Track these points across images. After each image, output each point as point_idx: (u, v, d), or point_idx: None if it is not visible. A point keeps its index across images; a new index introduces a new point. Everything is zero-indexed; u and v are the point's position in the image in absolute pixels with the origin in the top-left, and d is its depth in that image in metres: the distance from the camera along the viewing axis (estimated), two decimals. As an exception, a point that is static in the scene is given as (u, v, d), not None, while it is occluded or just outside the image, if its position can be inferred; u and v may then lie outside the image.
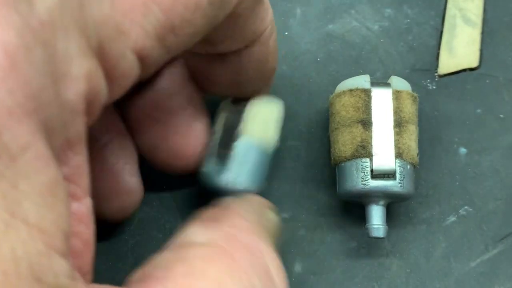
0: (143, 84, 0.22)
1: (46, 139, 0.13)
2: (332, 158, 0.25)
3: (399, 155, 0.23)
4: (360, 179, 0.23)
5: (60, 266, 0.13)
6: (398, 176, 0.23)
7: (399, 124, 0.24)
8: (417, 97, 0.25)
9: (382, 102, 0.24)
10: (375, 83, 0.24)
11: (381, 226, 0.24)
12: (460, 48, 0.29)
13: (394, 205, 0.26)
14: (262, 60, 0.23)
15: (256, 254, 0.18)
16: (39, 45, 0.13)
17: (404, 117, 0.24)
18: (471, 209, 0.26)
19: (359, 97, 0.24)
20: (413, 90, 0.25)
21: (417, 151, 0.24)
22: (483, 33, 0.29)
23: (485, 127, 0.27)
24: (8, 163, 0.12)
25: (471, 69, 0.28)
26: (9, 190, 0.12)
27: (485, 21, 0.29)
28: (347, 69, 0.28)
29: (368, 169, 0.23)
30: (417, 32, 0.29)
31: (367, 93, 0.24)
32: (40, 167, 0.13)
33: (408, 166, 0.24)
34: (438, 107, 0.28)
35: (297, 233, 0.26)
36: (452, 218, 0.26)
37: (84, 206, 0.15)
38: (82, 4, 0.14)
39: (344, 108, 0.24)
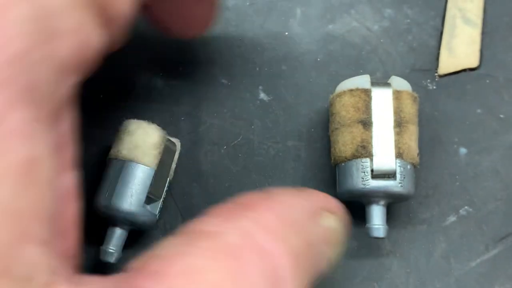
0: None
1: (30, 106, 0.12)
2: (332, 158, 0.25)
3: (399, 155, 0.23)
4: (360, 179, 0.23)
5: (35, 257, 0.12)
6: (398, 176, 0.23)
7: (399, 124, 0.24)
8: (418, 97, 0.25)
9: (382, 102, 0.24)
10: (375, 83, 0.24)
11: (381, 226, 0.24)
12: (460, 48, 0.29)
13: (394, 205, 0.26)
14: None
15: (269, 262, 0.16)
16: (23, 1, 0.12)
17: (404, 117, 0.24)
18: (471, 209, 0.26)
19: (359, 97, 0.24)
20: (413, 90, 0.25)
21: (418, 151, 0.24)
22: (483, 33, 0.29)
23: (485, 127, 0.27)
24: None
25: (471, 69, 0.28)
26: None
27: (485, 21, 0.29)
28: (347, 69, 0.28)
29: (369, 169, 0.23)
30: (417, 32, 0.29)
31: (367, 93, 0.24)
32: (15, 143, 0.11)
33: (409, 166, 0.24)
34: (438, 107, 0.28)
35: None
36: (452, 218, 0.26)
37: (70, 182, 0.14)
38: None
39: (344, 108, 0.24)
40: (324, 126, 0.27)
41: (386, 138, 0.23)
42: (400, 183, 0.23)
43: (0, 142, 0.11)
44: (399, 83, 0.25)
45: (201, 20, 0.23)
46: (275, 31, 0.29)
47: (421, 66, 0.28)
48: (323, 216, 0.18)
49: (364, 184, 0.23)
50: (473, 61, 0.28)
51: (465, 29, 0.29)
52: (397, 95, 0.24)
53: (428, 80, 0.28)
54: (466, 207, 0.26)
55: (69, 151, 0.14)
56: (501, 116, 0.28)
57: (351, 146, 0.24)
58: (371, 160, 0.23)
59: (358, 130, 0.24)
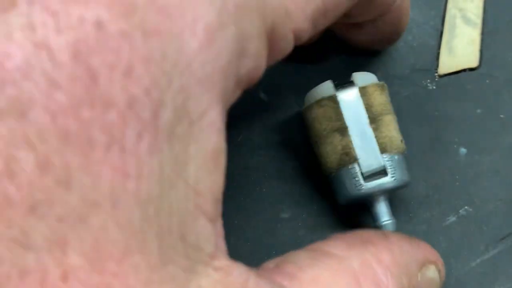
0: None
1: (220, 108, 0.15)
2: (322, 170, 0.25)
3: (383, 150, 0.23)
4: (353, 185, 0.23)
5: (204, 229, 0.14)
6: (389, 170, 0.23)
7: (374, 119, 0.23)
8: (384, 85, 0.25)
9: (351, 104, 0.24)
10: (339, 85, 0.24)
11: (389, 221, 0.24)
12: (460, 48, 0.29)
13: (394, 205, 0.26)
14: (396, 23, 0.24)
15: None
16: (231, 25, 0.14)
17: (376, 111, 0.24)
18: (471, 209, 0.26)
19: (327, 106, 0.24)
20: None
21: (401, 138, 0.24)
22: (483, 33, 0.29)
23: (485, 127, 0.27)
24: (186, 127, 0.13)
25: (471, 69, 0.28)
26: (181, 152, 0.13)
27: (485, 21, 0.29)
28: (347, 69, 0.28)
29: (359, 173, 0.23)
30: (417, 32, 0.29)
31: (333, 99, 0.24)
32: (210, 134, 0.14)
33: (396, 157, 0.24)
34: (438, 107, 0.28)
35: (297, 233, 0.26)
36: (452, 218, 0.26)
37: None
38: None
39: (316, 120, 0.24)
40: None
41: (366, 138, 0.23)
42: (392, 176, 0.23)
43: (203, 131, 0.14)
44: (363, 78, 0.24)
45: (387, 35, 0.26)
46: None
47: (421, 66, 0.28)
48: (427, 266, 0.20)
49: (359, 189, 0.23)
50: (473, 61, 0.28)
51: (465, 29, 0.29)
52: (363, 91, 0.24)
53: (428, 80, 0.28)
54: (466, 207, 0.26)
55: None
56: (502, 116, 0.28)
57: (334, 156, 0.24)
58: (358, 164, 0.23)
59: (336, 139, 0.24)
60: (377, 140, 0.23)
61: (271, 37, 0.17)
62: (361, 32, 0.25)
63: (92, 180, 0.12)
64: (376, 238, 0.20)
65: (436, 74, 0.28)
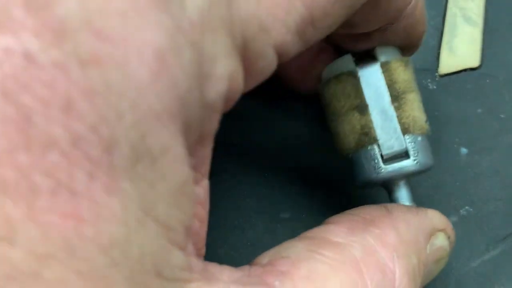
0: None
1: (184, 139, 0.13)
2: (339, 151, 0.23)
3: (406, 130, 0.21)
4: (372, 168, 0.21)
5: (178, 259, 0.13)
6: (411, 153, 0.21)
7: (396, 97, 0.21)
8: (409, 60, 0.22)
9: (372, 80, 0.22)
10: (360, 60, 0.22)
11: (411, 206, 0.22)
12: (461, 47, 0.29)
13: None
14: (409, 32, 0.21)
15: (390, 280, 0.17)
16: (188, 47, 0.13)
17: (400, 88, 0.22)
18: (471, 209, 0.26)
19: (346, 82, 0.22)
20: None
21: (425, 118, 0.22)
22: (484, 32, 0.29)
23: (486, 127, 0.27)
24: (149, 166, 0.12)
25: (472, 69, 0.28)
26: (147, 191, 0.12)
27: (486, 21, 0.29)
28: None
29: (378, 155, 0.21)
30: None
31: (353, 75, 0.22)
32: (175, 168, 0.13)
33: (419, 138, 0.22)
34: (438, 107, 0.28)
35: (297, 233, 0.26)
36: (453, 218, 0.26)
37: (202, 189, 0.15)
38: (230, 3, 0.14)
39: (334, 97, 0.22)
40: (325, 126, 0.27)
41: (387, 117, 0.21)
42: (415, 159, 0.21)
43: (168, 167, 0.13)
44: (386, 51, 0.22)
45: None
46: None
47: (422, 65, 0.28)
48: (435, 235, 0.19)
49: (378, 172, 0.21)
50: (474, 61, 0.28)
51: (466, 29, 0.29)
52: (386, 67, 0.22)
53: (429, 80, 0.28)
54: (466, 207, 0.26)
55: (205, 167, 0.15)
56: (502, 116, 0.28)
57: (353, 136, 0.22)
58: (378, 145, 0.21)
59: (355, 117, 0.22)
60: (399, 120, 0.21)
61: (246, 55, 0.15)
62: (368, 42, 0.22)
63: (41, 231, 0.11)
64: (379, 217, 0.18)
65: (436, 74, 0.28)
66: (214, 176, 0.26)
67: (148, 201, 0.12)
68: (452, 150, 0.27)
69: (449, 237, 0.20)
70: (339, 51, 0.24)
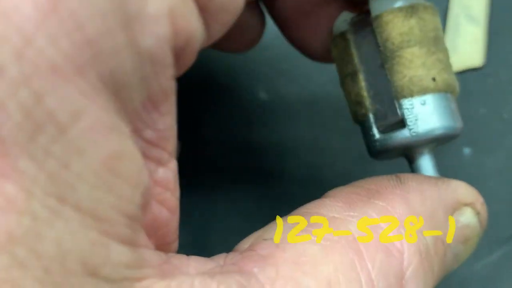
0: None
1: (111, 99, 0.11)
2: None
3: (400, 95, 0.18)
4: (370, 139, 0.19)
5: (120, 255, 0.11)
6: (408, 121, 0.18)
7: (389, 57, 0.18)
8: (415, 6, 0.19)
9: (363, 41, 0.19)
10: (356, 18, 0.19)
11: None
12: (464, 47, 0.28)
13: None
14: None
15: (396, 262, 0.14)
16: None
17: (393, 45, 0.18)
18: (474, 211, 0.26)
19: (340, 46, 0.20)
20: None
21: (433, 75, 0.18)
22: (487, 32, 0.29)
23: (489, 127, 0.27)
24: (55, 136, 0.10)
25: (475, 69, 0.28)
26: (58, 170, 0.10)
27: (489, 20, 0.29)
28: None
29: (373, 126, 0.19)
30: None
31: (344, 37, 0.19)
32: (98, 138, 0.10)
33: (420, 101, 0.18)
34: (441, 107, 0.28)
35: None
36: (456, 220, 0.26)
37: (170, 171, 0.13)
38: None
39: (335, 61, 0.20)
40: (325, 126, 0.27)
41: (378, 82, 0.19)
42: (411, 129, 0.18)
43: (85, 136, 0.10)
44: (383, 3, 0.19)
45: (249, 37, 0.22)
46: (276, 30, 0.29)
47: (424, 65, 0.28)
48: (461, 211, 0.16)
49: (374, 145, 0.19)
50: (477, 60, 0.28)
51: (469, 28, 0.29)
52: (378, 22, 0.18)
53: (431, 80, 0.28)
54: (469, 208, 0.26)
55: (170, 143, 0.13)
56: (505, 116, 0.27)
57: (351, 105, 0.20)
58: (371, 115, 0.19)
59: (349, 85, 0.19)
60: (393, 83, 0.18)
61: None
62: None
63: None
64: (387, 187, 0.15)
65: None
66: (214, 176, 0.26)
67: (62, 184, 0.10)
68: (455, 150, 0.27)
69: (478, 214, 0.17)
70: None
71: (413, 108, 0.18)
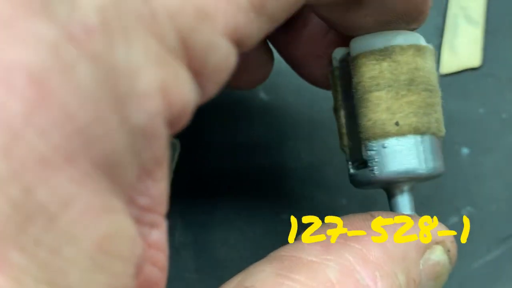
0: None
1: (104, 179, 0.11)
2: None
3: (366, 137, 0.18)
4: (349, 172, 0.20)
5: None
6: (370, 162, 0.18)
7: (358, 99, 0.19)
8: (389, 48, 0.18)
9: (347, 79, 0.19)
10: (344, 55, 0.20)
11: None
12: (462, 47, 0.28)
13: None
14: None
15: None
16: (84, 61, 0.10)
17: (364, 87, 0.18)
18: (473, 210, 0.26)
19: (332, 78, 0.20)
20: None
21: (396, 120, 0.18)
22: (485, 32, 0.29)
23: (488, 127, 0.27)
24: (46, 226, 0.10)
25: (473, 69, 0.28)
26: (50, 258, 0.10)
27: (487, 20, 0.29)
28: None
29: (349, 161, 0.20)
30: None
31: (332, 73, 0.20)
32: (89, 222, 0.10)
33: (382, 144, 0.18)
34: (440, 107, 0.28)
35: (297, 234, 0.26)
36: (454, 219, 0.26)
37: (161, 233, 0.13)
38: None
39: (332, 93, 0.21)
40: (325, 126, 0.27)
41: (352, 121, 0.19)
42: (371, 170, 0.18)
43: (76, 222, 0.10)
44: (360, 42, 0.19)
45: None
46: (276, 30, 0.29)
47: (423, 65, 0.28)
48: (432, 249, 0.17)
49: (349, 178, 0.20)
50: (475, 61, 0.28)
51: (467, 28, 0.29)
52: (354, 63, 0.19)
53: (430, 80, 0.28)
54: (468, 207, 0.26)
55: (164, 206, 0.13)
56: (504, 116, 0.27)
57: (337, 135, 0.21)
58: (347, 151, 0.20)
59: (336, 117, 0.20)
60: (360, 126, 0.19)
61: (188, 55, 0.12)
62: (363, 13, 0.17)
63: None
64: (362, 228, 0.16)
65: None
66: (214, 176, 0.26)
67: (53, 270, 0.10)
68: (453, 150, 0.27)
69: (448, 251, 0.17)
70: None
71: (375, 150, 0.18)
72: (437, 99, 0.19)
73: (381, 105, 0.18)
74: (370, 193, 0.26)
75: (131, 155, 0.11)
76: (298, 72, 0.22)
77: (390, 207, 0.19)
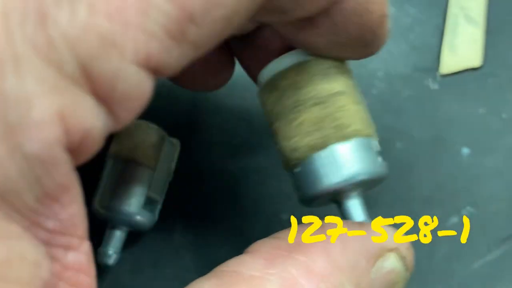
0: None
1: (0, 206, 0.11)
2: None
3: (284, 158, 0.19)
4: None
5: None
6: (295, 186, 0.19)
7: (271, 124, 0.19)
8: (278, 75, 0.18)
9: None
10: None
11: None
12: (463, 47, 0.28)
13: (395, 205, 0.26)
14: (361, 12, 0.16)
15: None
16: None
17: (269, 119, 0.19)
18: (473, 210, 0.26)
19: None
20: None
21: (297, 138, 0.18)
22: (485, 32, 0.29)
23: (488, 127, 0.27)
24: None
25: (474, 69, 0.28)
26: None
27: (487, 20, 0.29)
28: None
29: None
30: (419, 31, 0.29)
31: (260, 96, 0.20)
32: None
33: (296, 168, 0.19)
34: (440, 107, 0.28)
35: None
36: (455, 219, 0.26)
37: (82, 254, 0.13)
38: (42, 16, 0.11)
39: None
40: (325, 126, 0.27)
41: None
42: (300, 192, 0.19)
43: None
44: (262, 74, 0.19)
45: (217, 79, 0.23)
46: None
47: (423, 65, 0.28)
48: (385, 257, 0.16)
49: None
50: (476, 61, 0.28)
51: (467, 28, 0.29)
52: (260, 95, 0.20)
53: (430, 80, 0.28)
54: (468, 207, 0.26)
55: (80, 228, 0.13)
56: (504, 116, 0.27)
57: None
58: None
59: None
60: (279, 145, 0.19)
61: (94, 82, 0.11)
62: (316, 32, 0.17)
63: None
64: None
65: (438, 74, 0.28)
66: (214, 176, 0.26)
67: None
68: (453, 151, 0.27)
69: (404, 258, 0.17)
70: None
71: (293, 175, 0.19)
72: (333, 107, 0.18)
73: (280, 134, 0.19)
74: (370, 193, 0.26)
75: (26, 181, 0.11)
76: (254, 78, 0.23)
77: (343, 216, 0.19)
